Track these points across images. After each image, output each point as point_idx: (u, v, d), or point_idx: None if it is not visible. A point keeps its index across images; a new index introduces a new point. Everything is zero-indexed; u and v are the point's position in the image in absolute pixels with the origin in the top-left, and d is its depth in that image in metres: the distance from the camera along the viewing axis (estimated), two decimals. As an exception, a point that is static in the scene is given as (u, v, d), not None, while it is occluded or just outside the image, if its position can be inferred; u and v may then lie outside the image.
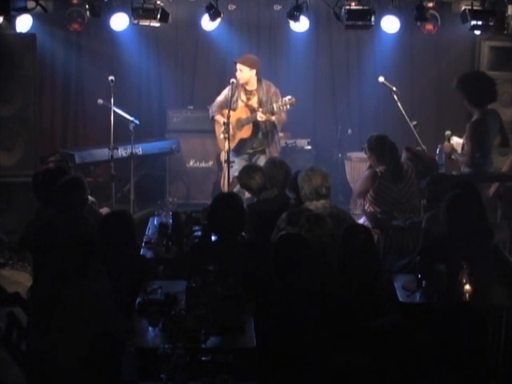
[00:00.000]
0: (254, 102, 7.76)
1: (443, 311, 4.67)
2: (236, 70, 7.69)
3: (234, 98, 7.72)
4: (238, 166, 7.45)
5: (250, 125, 7.71)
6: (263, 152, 7.82)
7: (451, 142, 7.12)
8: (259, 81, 7.77)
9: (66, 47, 9.07)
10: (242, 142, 7.77)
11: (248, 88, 7.75)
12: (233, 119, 7.63)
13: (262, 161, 7.64)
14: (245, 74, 7.67)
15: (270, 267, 4.55)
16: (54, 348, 3.90)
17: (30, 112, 8.05)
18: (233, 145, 7.64)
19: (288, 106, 7.58)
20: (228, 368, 3.58)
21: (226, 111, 7.55)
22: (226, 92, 7.82)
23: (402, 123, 7.70)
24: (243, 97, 7.77)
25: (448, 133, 7.19)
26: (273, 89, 7.77)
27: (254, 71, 7.71)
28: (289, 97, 7.57)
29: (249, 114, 7.71)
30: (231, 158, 7.50)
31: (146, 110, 9.35)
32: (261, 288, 4.45)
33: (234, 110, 7.72)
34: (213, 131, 8.06)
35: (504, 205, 7.07)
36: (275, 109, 7.57)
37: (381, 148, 6.49)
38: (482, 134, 6.96)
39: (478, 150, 6.97)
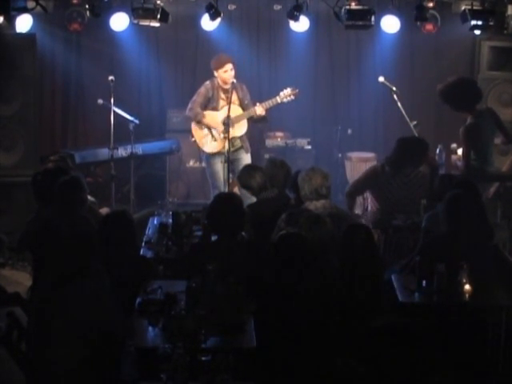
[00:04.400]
0: (234, 99, 7.65)
1: (443, 311, 4.68)
2: (226, 71, 7.58)
3: (214, 98, 7.71)
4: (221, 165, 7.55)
5: (245, 121, 7.69)
6: (241, 147, 7.80)
7: (458, 154, 7.20)
8: None
9: (66, 47, 9.05)
10: (234, 139, 7.68)
11: (225, 87, 7.66)
12: (220, 119, 7.60)
13: (242, 154, 7.73)
14: (233, 72, 7.65)
15: (269, 267, 4.56)
16: (54, 348, 3.91)
17: (30, 112, 8.06)
18: (225, 144, 7.50)
19: (292, 97, 7.56)
20: (228, 368, 3.58)
21: (209, 112, 7.62)
22: (203, 92, 7.74)
23: (402, 123, 7.69)
24: (222, 95, 7.71)
25: (454, 146, 7.33)
26: (244, 85, 7.77)
27: None
28: (292, 87, 7.55)
29: (241, 111, 7.68)
30: (213, 159, 7.62)
31: (145, 110, 9.35)
32: (261, 288, 4.45)
33: (217, 109, 7.70)
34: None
35: (504, 205, 7.07)
36: (279, 100, 7.56)
37: (400, 155, 6.45)
38: (474, 137, 6.94)
39: (474, 153, 6.97)
